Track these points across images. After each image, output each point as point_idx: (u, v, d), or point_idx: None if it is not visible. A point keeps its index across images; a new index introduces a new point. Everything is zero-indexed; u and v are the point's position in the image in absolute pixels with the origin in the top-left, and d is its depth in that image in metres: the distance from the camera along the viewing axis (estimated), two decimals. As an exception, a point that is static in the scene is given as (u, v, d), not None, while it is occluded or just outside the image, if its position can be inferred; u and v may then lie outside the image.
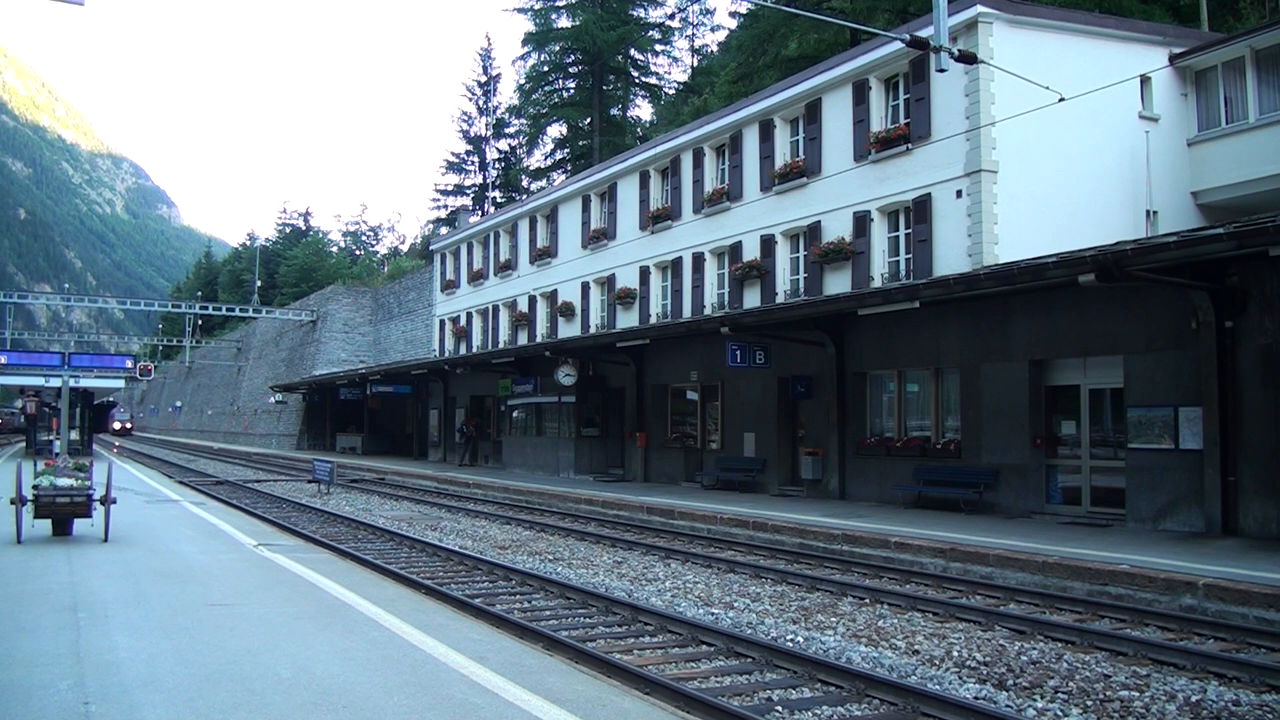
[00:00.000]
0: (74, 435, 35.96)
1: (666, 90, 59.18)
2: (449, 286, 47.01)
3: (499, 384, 34.85)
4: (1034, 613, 10.47)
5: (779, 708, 7.09)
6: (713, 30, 64.92)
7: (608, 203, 33.98)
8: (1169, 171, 22.55)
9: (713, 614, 10.41)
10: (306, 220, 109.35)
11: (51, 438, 35.62)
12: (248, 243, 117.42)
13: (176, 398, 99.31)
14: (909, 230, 22.29)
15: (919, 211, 21.78)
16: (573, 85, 58.44)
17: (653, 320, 30.48)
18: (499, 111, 70.52)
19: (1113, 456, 16.11)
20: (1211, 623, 9.67)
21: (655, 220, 30.88)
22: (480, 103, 71.39)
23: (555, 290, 37.02)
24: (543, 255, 38.01)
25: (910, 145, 21.96)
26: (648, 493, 22.86)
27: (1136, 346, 15.28)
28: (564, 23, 57.10)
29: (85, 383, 29.81)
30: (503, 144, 70.99)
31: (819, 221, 24.44)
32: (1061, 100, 16.55)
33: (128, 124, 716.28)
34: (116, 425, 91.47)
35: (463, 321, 44.98)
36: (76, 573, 10.99)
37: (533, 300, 38.70)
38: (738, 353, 21.63)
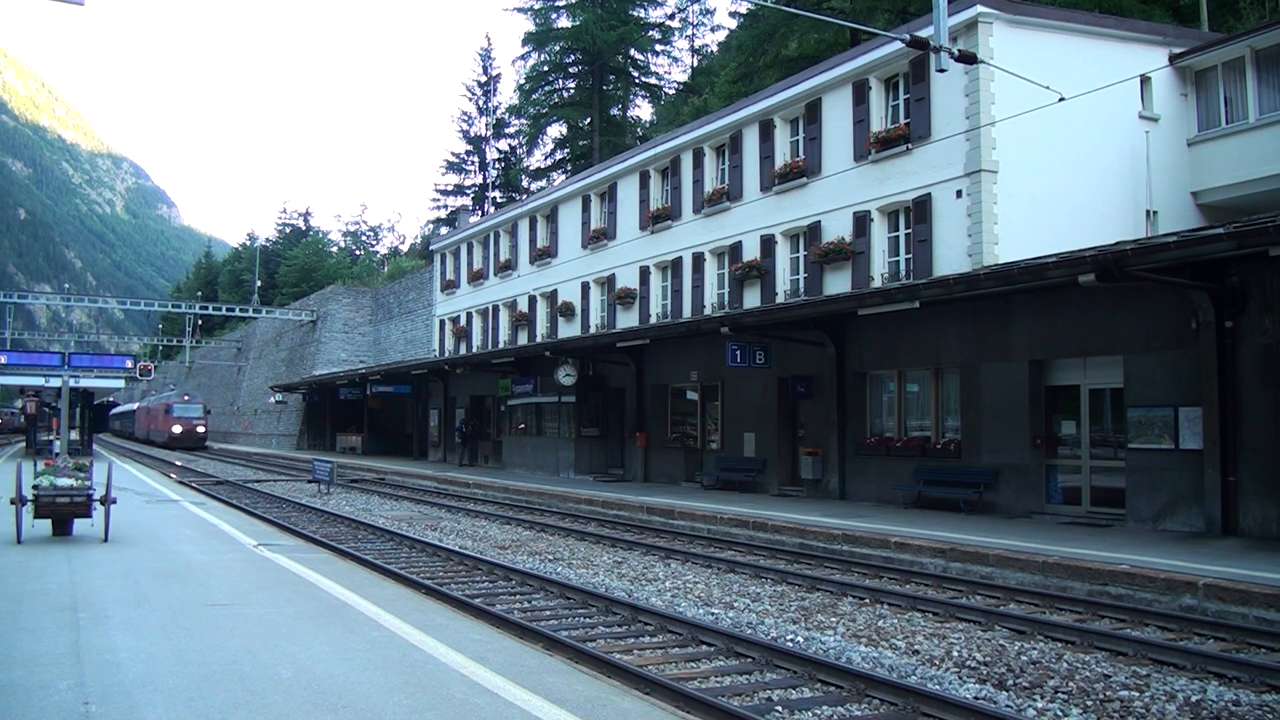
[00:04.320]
0: (74, 435, 35.96)
1: (666, 90, 59.20)
2: (449, 286, 47.01)
3: (499, 384, 34.85)
4: (1034, 613, 10.47)
5: (779, 708, 7.09)
6: (713, 30, 64.99)
7: (608, 203, 33.98)
8: (1169, 171, 22.55)
9: (713, 614, 10.41)
10: (306, 220, 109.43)
11: (51, 438, 35.64)
12: (248, 243, 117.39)
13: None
14: (909, 230, 22.29)
15: (919, 211, 21.78)
16: (573, 85, 58.45)
17: (653, 320, 30.48)
18: (499, 111, 70.60)
19: (1113, 456, 16.11)
20: (1211, 623, 9.67)
21: (655, 220, 30.88)
22: (480, 103, 71.44)
23: (555, 290, 37.02)
24: (543, 255, 38.01)
25: (910, 145, 21.96)
26: (648, 493, 22.86)
27: (1136, 346, 15.28)
28: (564, 23, 57.13)
29: (85, 383, 29.82)
30: (503, 144, 71.10)
31: (819, 221, 24.44)
32: (1061, 100, 16.55)
33: (128, 124, 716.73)
34: (177, 429, 57.21)
35: (463, 321, 44.98)
36: (76, 573, 10.99)
37: (533, 300, 38.71)
38: (738, 353, 21.64)
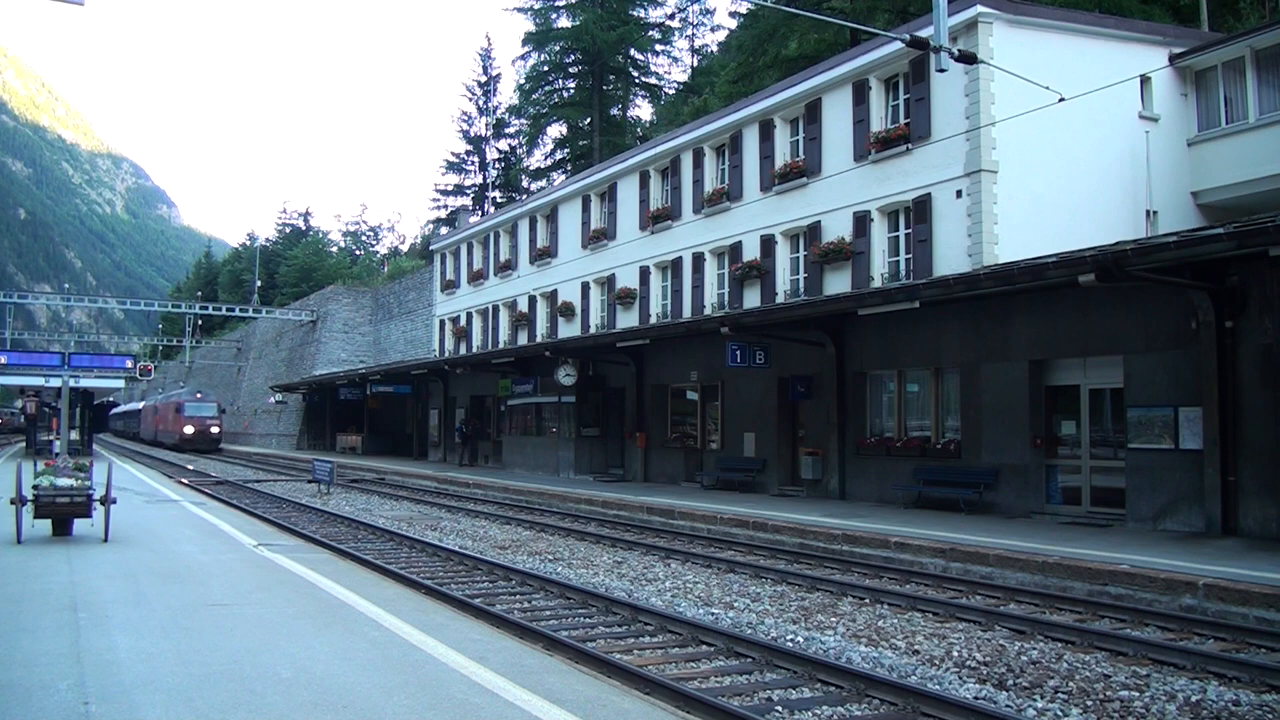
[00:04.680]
0: (74, 435, 35.96)
1: (666, 90, 59.22)
2: (449, 286, 47.02)
3: (499, 384, 34.85)
4: (1034, 613, 10.47)
5: (779, 708, 7.09)
6: (713, 30, 64.99)
7: (608, 203, 33.98)
8: (1169, 171, 22.55)
9: (713, 614, 10.42)
10: (306, 220, 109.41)
11: (51, 438, 35.63)
12: (248, 243, 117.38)
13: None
14: (909, 230, 22.29)
15: (919, 211, 21.78)
16: (573, 85, 58.47)
17: (653, 320, 30.48)
18: (499, 111, 70.62)
19: (1113, 456, 16.11)
20: (1211, 623, 9.67)
21: (655, 220, 30.88)
22: (480, 103, 71.44)
23: (555, 290, 37.03)
24: (543, 255, 38.02)
25: (910, 145, 21.96)
26: (648, 493, 22.86)
27: (1136, 346, 15.28)
28: (564, 23, 57.16)
29: (85, 383, 29.79)
30: (503, 144, 71.11)
31: (819, 221, 24.44)
32: (1061, 100, 16.55)
33: (128, 124, 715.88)
34: (189, 430, 53.83)
35: (463, 321, 44.98)
36: (76, 573, 10.99)
37: (533, 300, 38.71)
38: (738, 353, 21.64)
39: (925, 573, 12.84)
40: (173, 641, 7.69)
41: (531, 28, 57.92)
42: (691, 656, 8.61)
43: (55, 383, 26.87)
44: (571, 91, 58.39)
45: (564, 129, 61.44)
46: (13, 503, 13.09)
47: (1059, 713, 7.00)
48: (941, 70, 12.87)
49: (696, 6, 61.54)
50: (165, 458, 47.43)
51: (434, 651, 7.46)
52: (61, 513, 13.51)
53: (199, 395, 57.67)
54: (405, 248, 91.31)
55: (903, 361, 19.72)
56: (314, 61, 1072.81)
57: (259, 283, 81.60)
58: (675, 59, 60.05)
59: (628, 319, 31.87)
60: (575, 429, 30.14)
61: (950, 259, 20.74)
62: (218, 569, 11.65)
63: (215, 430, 55.27)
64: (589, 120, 57.08)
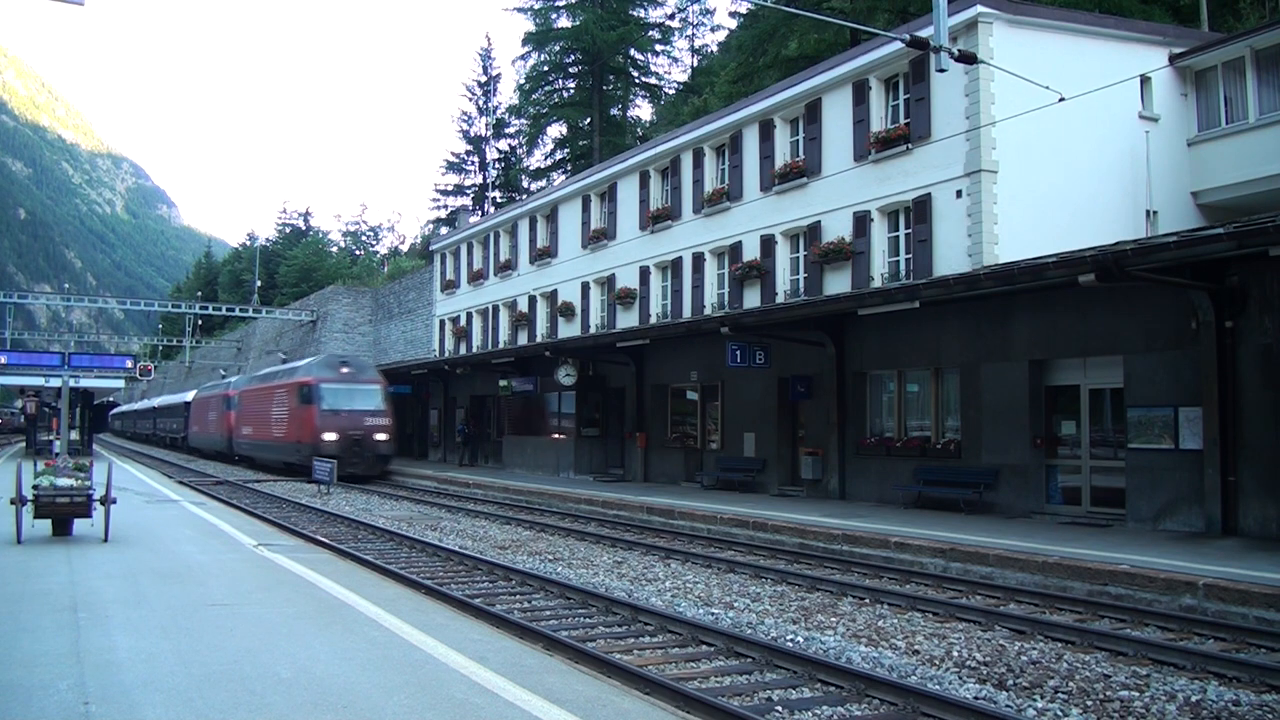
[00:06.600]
0: (74, 435, 35.96)
1: (666, 90, 59.19)
2: (449, 286, 47.02)
3: (499, 384, 34.85)
4: (1034, 613, 10.47)
5: (779, 708, 7.09)
6: (713, 30, 64.94)
7: (608, 203, 33.98)
8: (1169, 171, 22.54)
9: (713, 614, 10.41)
10: (306, 220, 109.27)
11: (51, 438, 35.64)
12: (248, 243, 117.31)
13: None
14: (909, 230, 22.29)
15: (919, 211, 21.78)
16: (573, 85, 58.46)
17: (653, 320, 30.47)
18: (499, 111, 70.55)
19: (1113, 456, 16.11)
20: (1211, 623, 9.67)
21: (655, 220, 30.88)
22: (480, 103, 71.39)
23: (555, 290, 37.02)
24: (543, 255, 38.01)
25: (910, 145, 21.96)
26: (648, 493, 22.86)
27: (1136, 346, 15.28)
28: (564, 23, 57.13)
29: (85, 383, 29.83)
30: (503, 144, 71.02)
31: (819, 221, 24.43)
32: (1061, 100, 16.55)
33: (128, 124, 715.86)
34: (331, 436, 29.75)
35: (463, 321, 44.98)
36: (76, 573, 10.99)
37: (533, 300, 38.70)
38: (738, 353, 21.64)
39: (925, 573, 12.84)
40: (173, 641, 7.69)
41: (531, 28, 57.93)
42: (691, 656, 8.61)
43: (55, 383, 26.91)
44: (571, 91, 58.37)
45: (564, 129, 61.42)
46: (13, 503, 13.09)
47: (1059, 713, 7.00)
48: (941, 70, 12.87)
49: (696, 6, 61.58)
50: (157, 455, 44.10)
51: (434, 651, 7.46)
52: (61, 513, 13.51)
53: (345, 369, 32.68)
54: (405, 248, 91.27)
55: (903, 361, 19.72)
56: (314, 62, 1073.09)
57: (259, 283, 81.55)
58: (675, 59, 60.08)
59: (628, 319, 31.86)
60: (575, 429, 30.14)
61: (950, 259, 20.73)
62: (218, 569, 11.65)
63: (383, 437, 31.21)
64: (589, 120, 57.06)
